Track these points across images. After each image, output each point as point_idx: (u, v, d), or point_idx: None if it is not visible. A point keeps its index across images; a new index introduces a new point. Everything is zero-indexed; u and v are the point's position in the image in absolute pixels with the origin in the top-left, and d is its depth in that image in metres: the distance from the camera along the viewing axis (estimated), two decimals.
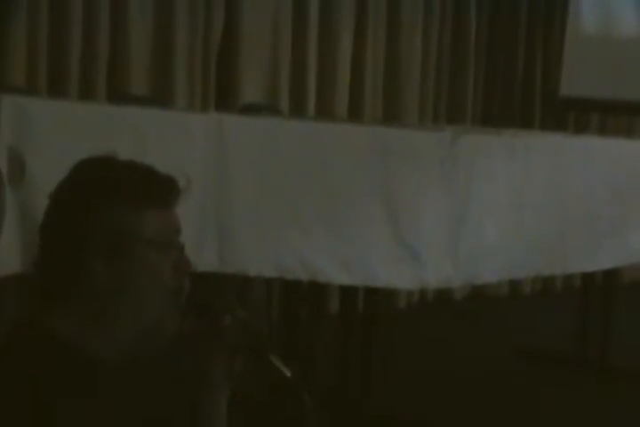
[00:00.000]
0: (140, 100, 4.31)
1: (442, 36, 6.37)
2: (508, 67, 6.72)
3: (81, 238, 1.46)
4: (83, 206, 1.47)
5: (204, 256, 3.16)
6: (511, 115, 6.70)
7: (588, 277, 4.93)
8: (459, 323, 5.78)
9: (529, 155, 4.04)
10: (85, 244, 1.46)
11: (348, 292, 4.14)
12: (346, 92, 5.82)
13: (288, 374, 1.55)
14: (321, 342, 4.05)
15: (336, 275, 3.50)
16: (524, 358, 4.90)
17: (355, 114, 5.82)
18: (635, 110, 6.49)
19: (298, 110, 5.55)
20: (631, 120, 7.24)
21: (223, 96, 5.35)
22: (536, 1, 6.72)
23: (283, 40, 5.56)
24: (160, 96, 5.02)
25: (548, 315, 5.80)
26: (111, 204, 1.47)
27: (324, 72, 5.73)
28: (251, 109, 4.54)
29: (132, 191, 1.48)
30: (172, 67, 5.18)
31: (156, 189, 1.49)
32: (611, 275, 4.84)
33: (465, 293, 6.25)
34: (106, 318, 1.47)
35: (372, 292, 3.92)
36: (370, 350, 3.99)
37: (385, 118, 5.97)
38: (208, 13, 5.31)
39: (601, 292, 4.91)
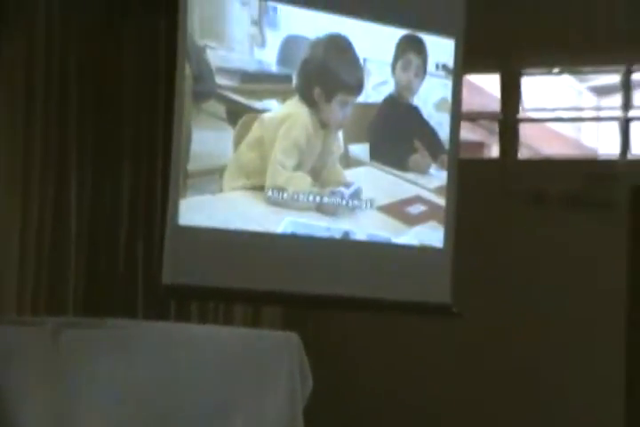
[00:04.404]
0: None
1: (41, 229, 6.35)
2: (110, 258, 6.81)
3: None
4: None
5: None
6: (114, 304, 6.72)
7: None
8: None
9: (132, 345, 4.05)
10: None
11: None
12: None
13: None
14: None
15: None
16: None
17: None
18: (232, 297, 6.72)
19: None
20: (229, 307, 7.51)
21: None
22: (135, 198, 6.93)
23: None
24: None
25: None
26: None
27: None
28: None
29: None
30: None
31: None
32: None
33: None
34: None
35: None
36: None
37: None
38: None
39: None
